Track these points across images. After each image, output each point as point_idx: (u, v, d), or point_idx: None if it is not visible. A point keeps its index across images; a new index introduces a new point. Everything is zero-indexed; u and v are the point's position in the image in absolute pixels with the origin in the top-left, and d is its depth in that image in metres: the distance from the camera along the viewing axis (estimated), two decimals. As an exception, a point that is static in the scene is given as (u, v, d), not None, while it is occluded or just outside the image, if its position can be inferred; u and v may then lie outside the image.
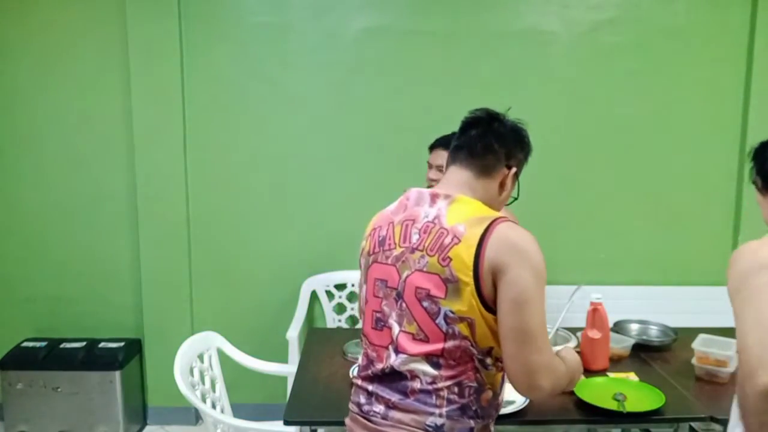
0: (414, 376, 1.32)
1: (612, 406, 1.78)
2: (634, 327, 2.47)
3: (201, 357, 2.32)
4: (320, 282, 3.22)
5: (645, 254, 3.27)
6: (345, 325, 3.22)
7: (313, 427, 1.83)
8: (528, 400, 1.80)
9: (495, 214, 1.35)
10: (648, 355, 2.24)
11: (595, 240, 3.26)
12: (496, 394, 1.37)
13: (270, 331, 3.27)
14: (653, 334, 2.43)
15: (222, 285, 3.25)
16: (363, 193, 3.16)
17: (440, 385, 1.30)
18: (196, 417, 3.27)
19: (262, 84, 3.12)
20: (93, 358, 3.02)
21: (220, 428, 2.13)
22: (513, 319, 1.25)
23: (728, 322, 2.76)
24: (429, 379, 1.31)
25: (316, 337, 2.49)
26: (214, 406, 2.28)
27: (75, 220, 3.22)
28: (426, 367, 1.30)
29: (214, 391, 2.33)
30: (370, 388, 1.39)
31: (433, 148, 2.46)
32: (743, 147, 3.19)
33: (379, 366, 1.37)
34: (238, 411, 2.54)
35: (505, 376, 1.35)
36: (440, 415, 1.30)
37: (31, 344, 3.12)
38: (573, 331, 2.14)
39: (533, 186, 3.15)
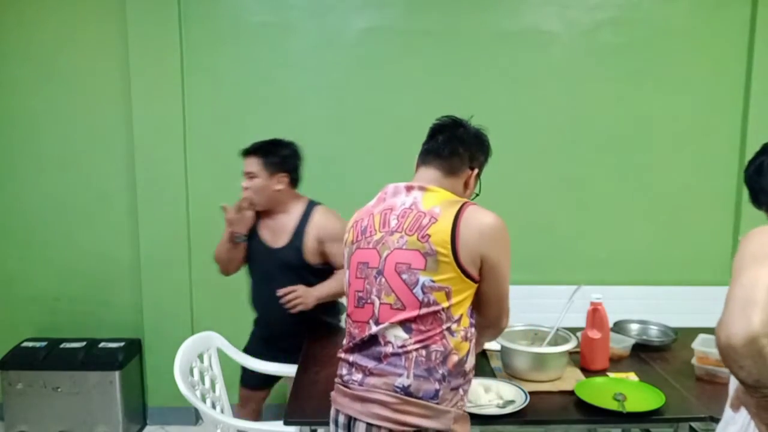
0: (387, 341, 1.46)
1: (612, 406, 1.78)
2: (634, 327, 2.47)
3: (201, 357, 2.32)
4: (320, 282, 3.21)
5: (645, 254, 3.27)
6: (345, 325, 3.22)
7: (313, 427, 1.83)
8: (528, 400, 1.80)
9: (463, 199, 1.55)
10: (648, 355, 2.24)
11: (595, 240, 3.26)
12: (462, 360, 1.49)
13: (270, 331, 3.27)
14: (653, 334, 2.43)
15: (222, 285, 3.23)
16: (363, 192, 3.14)
17: (409, 347, 1.44)
18: (196, 417, 3.27)
19: (262, 84, 3.13)
20: (93, 358, 3.03)
21: (220, 428, 2.13)
22: (496, 291, 1.52)
23: (728, 322, 2.75)
24: (399, 343, 1.45)
25: (316, 337, 2.48)
26: (214, 406, 2.28)
27: (75, 220, 3.22)
28: (399, 332, 1.45)
29: (214, 391, 2.33)
30: (351, 359, 1.53)
31: (245, 155, 2.39)
32: (743, 147, 3.19)
33: (359, 337, 1.51)
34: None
35: (473, 346, 1.53)
36: (407, 376, 1.44)
37: (31, 344, 3.12)
38: (573, 331, 2.14)
39: (533, 186, 3.19)
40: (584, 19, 3.11)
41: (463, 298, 1.46)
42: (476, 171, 1.63)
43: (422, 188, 1.54)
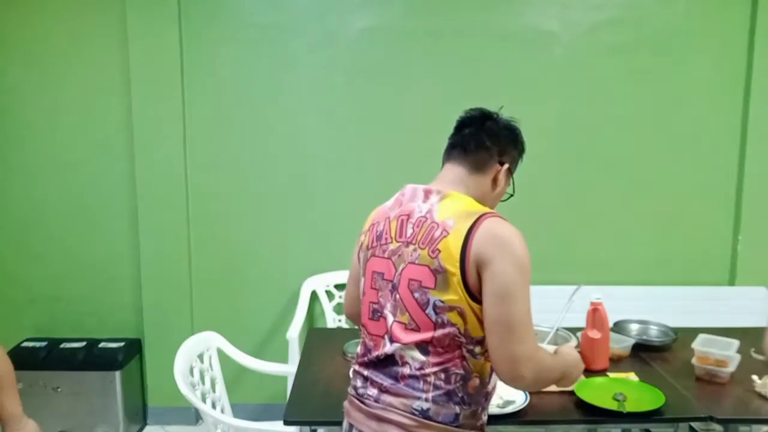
0: (404, 362, 1.38)
1: (612, 406, 1.78)
2: (634, 327, 2.47)
3: (201, 357, 2.32)
4: (320, 282, 3.22)
5: (645, 254, 3.27)
6: (345, 325, 3.22)
7: (313, 427, 1.83)
8: (528, 400, 1.80)
9: (484, 209, 1.39)
10: (648, 355, 2.24)
11: (595, 240, 3.26)
12: (484, 382, 1.40)
13: (270, 331, 3.27)
14: (653, 334, 2.43)
15: (222, 285, 3.26)
16: (363, 193, 3.16)
17: (428, 371, 1.35)
18: (196, 417, 3.27)
19: (262, 84, 3.12)
20: (93, 358, 3.02)
21: (220, 428, 2.13)
22: (496, 311, 1.29)
23: (728, 322, 2.77)
24: (417, 365, 1.36)
25: (316, 337, 2.49)
26: (214, 406, 2.28)
27: (75, 220, 3.22)
28: (416, 353, 1.36)
29: (214, 391, 2.33)
30: (366, 373, 1.45)
31: None
32: (743, 147, 3.19)
33: (375, 353, 1.43)
34: (238, 411, 2.54)
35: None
36: (426, 400, 1.35)
37: (31, 344, 3.12)
38: (573, 331, 2.14)
39: (533, 186, 3.18)
40: (584, 19, 3.11)
41: (475, 318, 1.34)
42: (506, 166, 1.48)
43: (440, 193, 1.41)
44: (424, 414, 1.35)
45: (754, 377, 1.94)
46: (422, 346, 1.35)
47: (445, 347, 1.34)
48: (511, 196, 1.56)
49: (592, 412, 1.78)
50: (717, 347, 2.04)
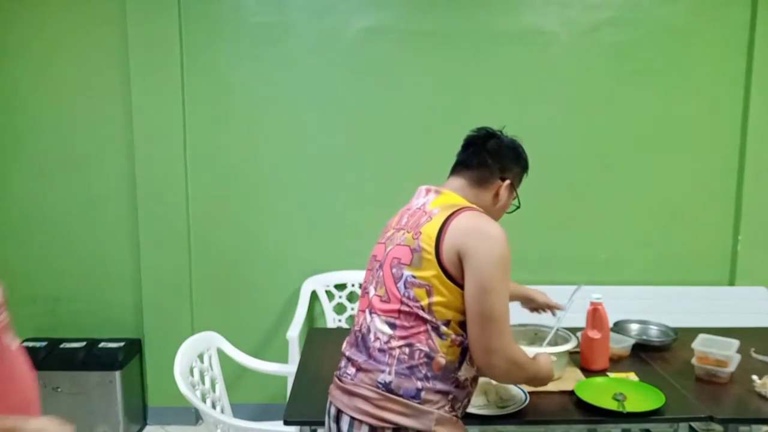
0: (376, 337, 1.48)
1: (612, 406, 1.78)
2: (634, 327, 2.46)
3: (201, 357, 2.32)
4: (320, 282, 3.22)
5: (645, 254, 3.27)
6: (345, 325, 3.22)
7: (313, 427, 1.83)
8: (528, 400, 1.81)
9: (469, 204, 1.53)
10: (648, 355, 2.24)
11: (595, 240, 3.26)
12: (452, 367, 1.45)
13: (270, 331, 3.27)
14: (653, 334, 2.43)
15: (222, 285, 3.26)
16: (363, 193, 3.17)
17: (393, 344, 1.45)
18: (196, 417, 3.28)
19: (262, 84, 3.13)
20: (93, 358, 3.02)
21: (220, 428, 2.13)
22: (478, 305, 1.40)
23: (728, 322, 2.77)
24: (385, 339, 1.46)
25: (316, 337, 2.49)
26: (214, 406, 2.28)
27: (75, 220, 3.22)
28: (384, 327, 1.47)
29: (214, 391, 2.33)
30: (348, 353, 1.56)
31: None
32: (743, 147, 3.19)
33: (356, 329, 1.56)
34: (238, 411, 2.55)
35: (471, 356, 1.47)
36: (389, 373, 1.44)
37: (31, 344, 3.12)
38: (573, 331, 2.14)
39: (533, 186, 3.16)
40: (584, 19, 3.11)
41: (446, 299, 1.42)
42: (507, 182, 1.61)
43: (438, 191, 1.57)
44: (386, 387, 1.43)
45: (754, 377, 1.94)
46: (390, 321, 1.46)
47: (411, 322, 1.44)
48: (518, 207, 1.68)
49: (592, 412, 1.78)
50: (717, 347, 2.04)
